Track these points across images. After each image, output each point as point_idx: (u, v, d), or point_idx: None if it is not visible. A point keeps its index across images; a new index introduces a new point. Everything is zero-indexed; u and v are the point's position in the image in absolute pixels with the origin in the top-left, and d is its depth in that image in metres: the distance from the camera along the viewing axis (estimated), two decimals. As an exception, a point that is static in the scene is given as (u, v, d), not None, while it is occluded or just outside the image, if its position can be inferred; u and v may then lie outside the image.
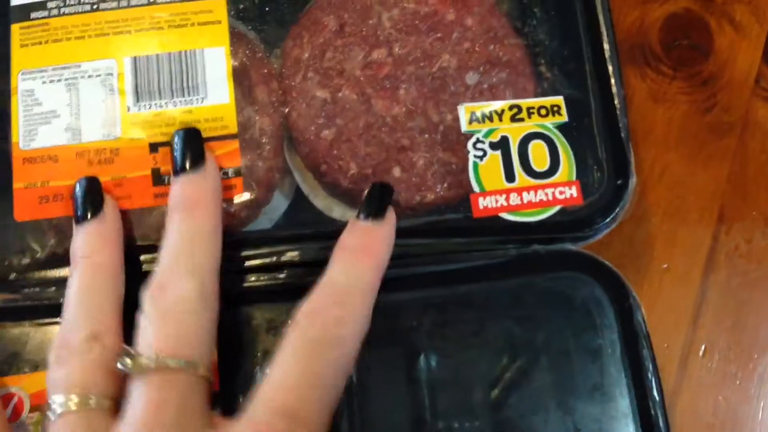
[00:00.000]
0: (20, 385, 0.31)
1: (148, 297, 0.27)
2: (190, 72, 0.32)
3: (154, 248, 0.29)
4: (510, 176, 0.33)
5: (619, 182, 0.33)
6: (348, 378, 0.27)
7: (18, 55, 0.33)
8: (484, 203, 0.32)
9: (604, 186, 0.33)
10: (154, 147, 0.32)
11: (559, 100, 0.34)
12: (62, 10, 0.33)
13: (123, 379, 0.26)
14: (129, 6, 0.33)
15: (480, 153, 0.33)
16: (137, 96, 0.32)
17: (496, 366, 0.32)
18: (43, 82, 0.32)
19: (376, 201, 0.30)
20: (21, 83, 0.32)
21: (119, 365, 0.26)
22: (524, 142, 0.33)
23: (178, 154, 0.30)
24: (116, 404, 0.26)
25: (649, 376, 0.31)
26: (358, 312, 0.27)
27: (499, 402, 0.31)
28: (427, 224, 0.33)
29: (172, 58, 0.33)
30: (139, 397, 0.25)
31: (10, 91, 0.32)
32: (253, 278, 0.32)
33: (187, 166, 0.30)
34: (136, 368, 0.26)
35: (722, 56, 0.40)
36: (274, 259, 0.32)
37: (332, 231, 0.30)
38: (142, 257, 0.31)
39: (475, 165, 0.33)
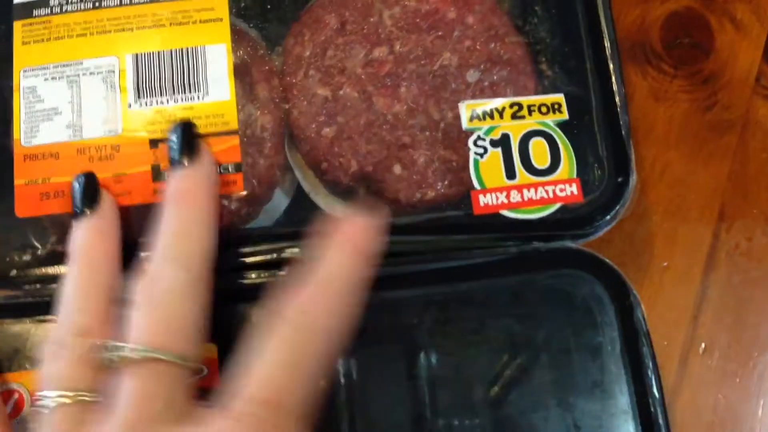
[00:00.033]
0: (21, 382, 0.31)
1: (137, 287, 0.27)
2: (192, 69, 0.33)
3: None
4: (511, 173, 0.33)
5: (619, 180, 0.33)
6: (333, 367, 0.27)
7: (20, 53, 0.33)
8: (485, 200, 0.32)
9: (605, 184, 0.33)
10: (154, 143, 0.32)
11: (559, 97, 0.34)
12: (64, 7, 0.33)
13: (113, 372, 0.26)
14: (131, 3, 0.33)
15: (481, 150, 0.33)
16: (138, 93, 0.32)
17: (497, 363, 0.32)
18: (45, 80, 0.32)
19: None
20: (23, 80, 0.32)
21: (107, 359, 0.26)
22: (525, 140, 0.33)
23: (172, 146, 0.30)
24: (108, 398, 0.26)
25: (649, 373, 0.31)
26: (340, 301, 0.27)
27: (500, 399, 0.31)
28: (428, 221, 0.33)
29: (173, 55, 0.33)
30: (126, 390, 0.25)
31: (12, 89, 0.32)
32: (253, 275, 0.32)
33: (182, 158, 0.30)
34: (123, 362, 0.26)
35: (723, 55, 0.40)
36: (275, 256, 0.32)
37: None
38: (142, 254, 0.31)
39: (476, 162, 0.33)
